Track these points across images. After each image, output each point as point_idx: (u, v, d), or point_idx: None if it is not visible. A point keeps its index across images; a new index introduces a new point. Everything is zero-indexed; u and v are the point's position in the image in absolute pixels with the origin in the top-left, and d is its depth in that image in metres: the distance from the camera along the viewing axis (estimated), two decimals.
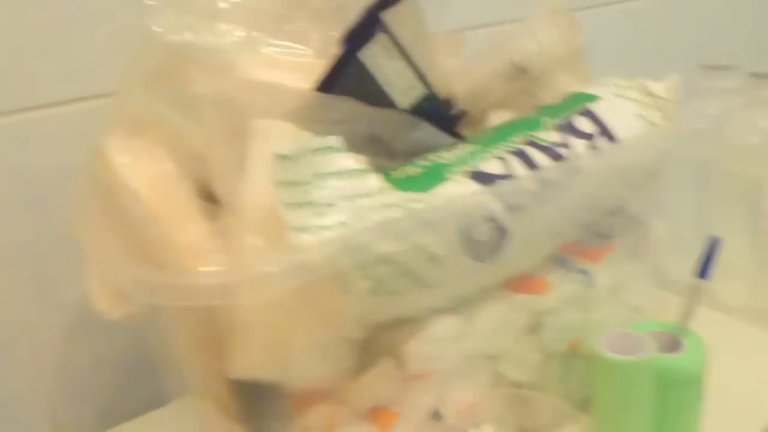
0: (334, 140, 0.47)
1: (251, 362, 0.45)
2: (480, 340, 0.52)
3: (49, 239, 0.71)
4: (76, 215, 0.57)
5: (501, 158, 0.50)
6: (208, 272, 0.44)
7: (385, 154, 0.51)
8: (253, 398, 0.49)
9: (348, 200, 0.46)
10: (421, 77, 0.53)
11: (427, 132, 0.53)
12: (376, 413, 0.50)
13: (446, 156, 0.51)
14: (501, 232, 0.49)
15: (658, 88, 0.59)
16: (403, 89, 0.53)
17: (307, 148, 0.46)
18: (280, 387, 0.48)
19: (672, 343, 0.56)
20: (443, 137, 0.54)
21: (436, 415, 0.52)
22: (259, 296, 0.42)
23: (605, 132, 0.54)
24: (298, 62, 0.52)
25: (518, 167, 0.50)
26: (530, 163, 0.50)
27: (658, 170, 0.61)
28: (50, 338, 0.74)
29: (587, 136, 0.54)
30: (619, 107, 0.57)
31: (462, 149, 0.52)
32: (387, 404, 0.50)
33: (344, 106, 0.49)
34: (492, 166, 0.50)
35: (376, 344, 0.49)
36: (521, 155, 0.51)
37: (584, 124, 0.53)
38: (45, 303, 0.73)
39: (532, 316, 0.54)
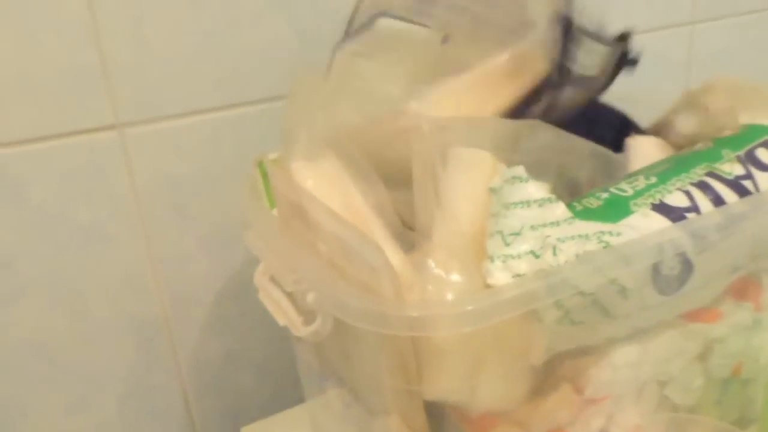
0: (520, 170, 0.48)
1: (445, 386, 0.47)
2: (654, 367, 0.53)
3: (190, 242, 0.74)
4: (250, 222, 0.58)
5: (684, 191, 0.51)
6: (410, 304, 0.45)
7: (568, 186, 0.51)
8: (435, 417, 0.50)
9: (534, 229, 0.47)
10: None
11: (604, 159, 0.54)
12: None
13: (626, 187, 0.52)
14: (688, 266, 0.49)
15: None
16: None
17: (503, 178, 0.47)
18: (462, 408, 0.50)
19: None
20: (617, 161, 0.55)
21: None
22: (456, 330, 0.44)
23: None
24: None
25: (703, 201, 0.50)
26: (716, 197, 0.51)
27: None
28: (188, 334, 0.77)
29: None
30: None
31: (641, 180, 0.52)
32: (562, 427, 0.51)
33: (537, 133, 0.49)
34: (676, 200, 0.50)
35: (555, 370, 0.51)
36: (705, 188, 0.51)
37: (766, 156, 0.53)
38: (183, 302, 0.75)
39: (703, 343, 0.54)
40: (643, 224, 0.49)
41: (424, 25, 0.56)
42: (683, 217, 0.49)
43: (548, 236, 0.46)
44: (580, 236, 0.47)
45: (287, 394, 0.81)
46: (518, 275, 0.44)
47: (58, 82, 0.64)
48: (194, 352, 0.78)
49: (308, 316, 0.51)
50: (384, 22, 0.58)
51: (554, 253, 0.45)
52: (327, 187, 0.51)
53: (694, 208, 0.50)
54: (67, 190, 0.67)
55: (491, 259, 0.46)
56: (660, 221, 0.49)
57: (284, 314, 0.53)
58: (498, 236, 0.47)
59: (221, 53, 0.70)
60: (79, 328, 0.71)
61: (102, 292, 0.71)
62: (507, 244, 0.46)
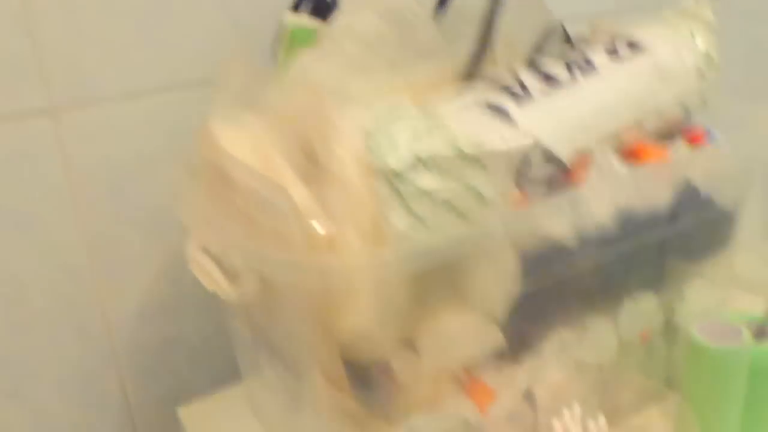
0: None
1: (354, 325, 0.47)
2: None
3: (125, 226, 0.74)
4: (181, 196, 0.59)
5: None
6: (319, 251, 0.46)
7: None
8: (361, 373, 0.51)
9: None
10: None
11: None
12: (474, 389, 0.53)
13: None
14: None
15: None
16: None
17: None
18: (386, 363, 0.51)
19: (759, 332, 0.58)
20: None
21: (528, 396, 0.55)
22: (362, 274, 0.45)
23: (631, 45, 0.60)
24: None
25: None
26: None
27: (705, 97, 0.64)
28: (123, 319, 0.76)
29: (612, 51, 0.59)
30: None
31: None
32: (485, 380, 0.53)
33: None
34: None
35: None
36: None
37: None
38: (118, 286, 0.75)
39: None
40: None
41: None
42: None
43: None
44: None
45: (227, 378, 0.81)
46: None
47: None
48: (130, 337, 0.77)
49: (235, 279, 0.52)
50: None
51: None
52: (243, 142, 0.52)
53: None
54: None
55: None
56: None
57: (212, 280, 0.54)
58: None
59: (157, 36, 0.71)
60: (14, 314, 0.71)
61: (37, 278, 0.71)
62: None
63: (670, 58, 0.60)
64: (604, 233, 0.53)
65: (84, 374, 0.75)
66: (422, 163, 0.46)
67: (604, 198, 0.53)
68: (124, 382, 0.78)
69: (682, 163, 0.59)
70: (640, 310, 0.60)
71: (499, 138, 0.48)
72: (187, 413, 0.74)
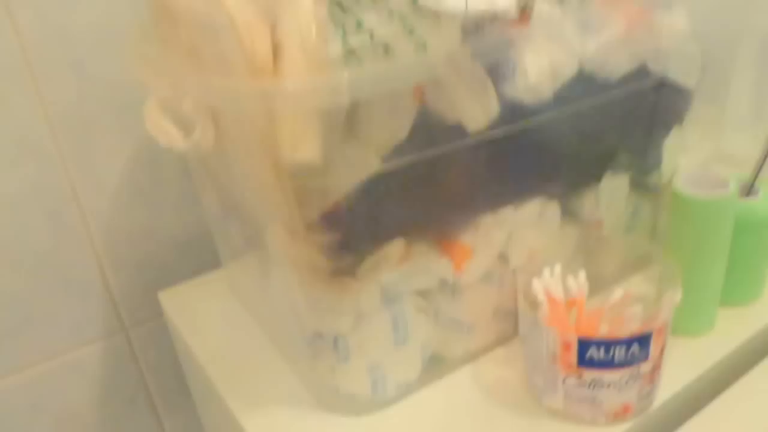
0: None
1: (303, 153, 0.44)
2: None
3: (91, 105, 0.70)
4: (134, 51, 0.55)
5: None
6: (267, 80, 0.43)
7: None
8: (330, 228, 0.48)
9: None
10: None
11: None
12: (450, 247, 0.50)
13: None
14: None
15: None
16: None
17: None
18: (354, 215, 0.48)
19: (747, 190, 0.56)
20: None
21: (503, 257, 0.53)
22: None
23: None
24: None
25: None
26: None
27: None
28: (98, 206, 0.74)
29: None
30: None
31: None
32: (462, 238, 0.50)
33: None
34: None
35: None
36: None
37: None
38: (89, 170, 0.73)
39: None
40: None
41: None
42: None
43: None
44: None
45: (210, 267, 0.80)
46: None
47: None
48: (107, 224, 0.75)
49: (190, 130, 0.49)
50: None
51: None
52: None
53: None
54: None
55: None
56: None
57: (167, 135, 0.50)
58: None
59: None
60: None
61: (1, 162, 0.68)
62: None
63: None
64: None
65: (60, 263, 0.74)
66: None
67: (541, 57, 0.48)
68: (104, 270, 0.76)
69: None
70: (618, 181, 0.57)
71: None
72: (167, 297, 0.73)
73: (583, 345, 0.48)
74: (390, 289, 0.51)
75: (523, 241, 0.54)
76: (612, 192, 0.59)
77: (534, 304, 0.51)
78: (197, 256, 0.81)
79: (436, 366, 0.56)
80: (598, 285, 0.55)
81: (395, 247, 0.50)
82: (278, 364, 0.60)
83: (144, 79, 0.54)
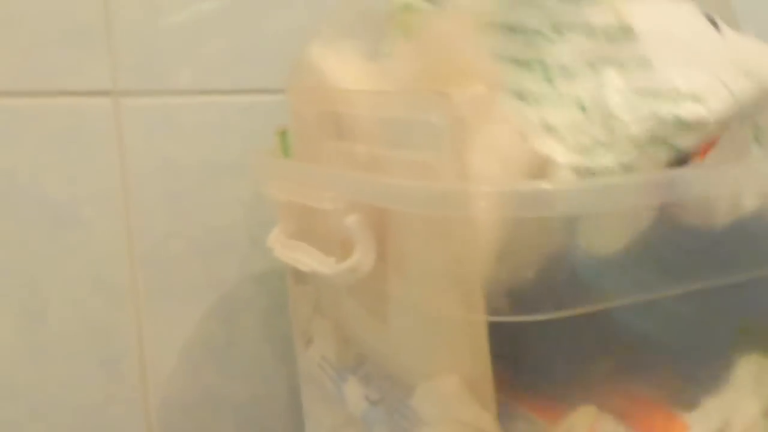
0: None
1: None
2: None
3: (178, 245, 0.63)
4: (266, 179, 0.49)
5: None
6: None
7: None
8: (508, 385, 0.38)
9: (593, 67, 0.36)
10: None
11: None
12: (666, 425, 0.39)
13: None
14: None
15: None
16: None
17: None
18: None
19: None
20: None
21: None
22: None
23: None
24: None
25: None
26: None
27: None
28: (160, 359, 0.63)
29: None
30: None
31: None
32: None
33: None
34: None
35: None
36: None
37: None
38: (161, 317, 0.63)
39: None
40: None
41: None
42: None
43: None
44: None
45: None
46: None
47: (55, 34, 0.56)
48: (167, 382, 0.64)
49: (342, 254, 0.40)
50: None
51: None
52: (345, 61, 0.42)
53: None
54: (43, 157, 0.57)
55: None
56: None
57: (309, 260, 0.42)
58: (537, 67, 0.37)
59: (239, 32, 0.63)
60: (31, 337, 0.58)
61: (65, 293, 0.59)
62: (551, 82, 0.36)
63: None
64: None
65: (106, 420, 0.61)
66: None
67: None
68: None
69: None
70: None
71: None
72: None
73: None
74: None
75: (744, 414, 0.43)
76: None
77: None
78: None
79: None
80: None
81: (585, 416, 0.39)
82: None
83: (282, 196, 0.48)
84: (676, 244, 0.35)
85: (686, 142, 0.35)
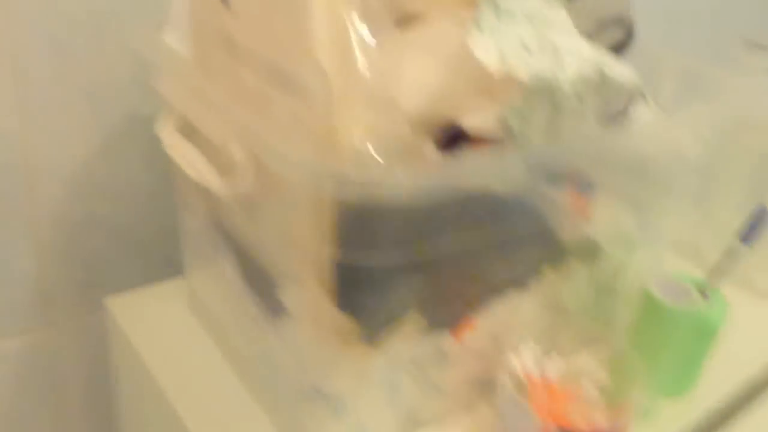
0: None
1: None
2: None
3: (66, 89, 0.65)
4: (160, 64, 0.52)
5: None
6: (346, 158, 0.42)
7: None
8: (355, 287, 0.48)
9: (529, 20, 0.45)
10: None
11: None
12: None
13: None
14: None
15: None
16: None
17: None
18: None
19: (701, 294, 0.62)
20: None
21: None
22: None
23: None
24: None
25: None
26: None
27: None
28: (49, 188, 0.68)
29: None
30: None
31: None
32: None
33: None
34: None
35: None
36: None
37: None
38: (50, 153, 0.67)
39: None
40: None
41: None
42: None
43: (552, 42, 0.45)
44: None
45: (158, 269, 0.75)
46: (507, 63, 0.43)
47: None
48: (54, 209, 0.69)
49: (224, 168, 0.46)
50: None
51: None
52: None
53: None
54: None
55: (479, 27, 0.43)
56: None
57: (197, 171, 0.48)
58: (490, 5, 0.44)
59: None
60: None
61: None
62: (498, 18, 0.44)
63: None
64: None
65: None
66: None
67: None
68: (42, 262, 0.70)
69: None
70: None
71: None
72: (115, 303, 0.68)
73: None
74: (394, 356, 0.51)
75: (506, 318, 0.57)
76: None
77: (518, 384, 0.54)
78: (148, 260, 0.76)
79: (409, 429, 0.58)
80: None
81: (412, 319, 0.50)
82: (251, 407, 0.58)
83: (173, 100, 0.51)
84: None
85: None
